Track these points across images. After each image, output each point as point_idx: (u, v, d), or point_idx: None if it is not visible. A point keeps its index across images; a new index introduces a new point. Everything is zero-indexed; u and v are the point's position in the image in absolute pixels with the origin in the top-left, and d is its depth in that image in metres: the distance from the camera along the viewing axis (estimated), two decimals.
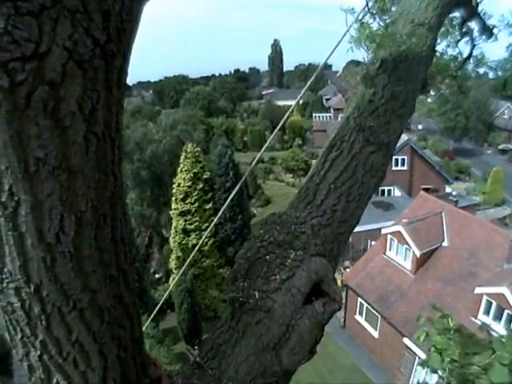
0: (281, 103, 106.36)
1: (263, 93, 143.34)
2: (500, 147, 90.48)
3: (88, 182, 1.53)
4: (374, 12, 4.09)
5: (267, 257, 2.65)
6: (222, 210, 7.00)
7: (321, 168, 3.04)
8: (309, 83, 5.23)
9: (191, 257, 8.75)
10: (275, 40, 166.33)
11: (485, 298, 25.62)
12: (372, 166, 3.08)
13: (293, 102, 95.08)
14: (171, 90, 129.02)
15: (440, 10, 3.94)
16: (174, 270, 39.90)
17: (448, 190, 55.80)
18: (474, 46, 7.15)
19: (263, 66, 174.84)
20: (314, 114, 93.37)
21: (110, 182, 1.66)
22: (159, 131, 59.97)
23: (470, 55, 7.29)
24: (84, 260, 1.61)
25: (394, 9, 4.14)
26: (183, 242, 39.25)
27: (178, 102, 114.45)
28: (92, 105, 1.46)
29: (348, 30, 4.13)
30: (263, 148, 6.62)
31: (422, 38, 3.55)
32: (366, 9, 4.15)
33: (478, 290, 25.94)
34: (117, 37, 1.49)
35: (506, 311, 24.09)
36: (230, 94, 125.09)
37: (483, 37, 7.36)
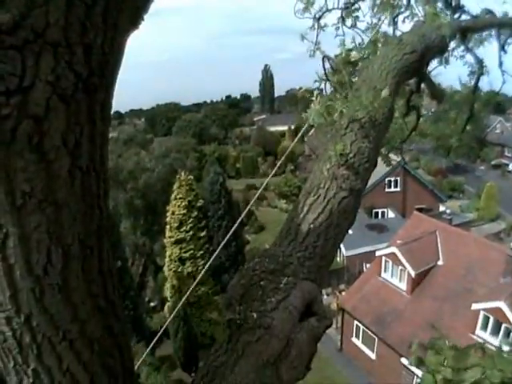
0: (272, 129, 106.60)
1: (254, 119, 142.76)
2: (493, 162, 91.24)
3: (74, 215, 1.56)
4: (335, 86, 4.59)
5: (261, 282, 2.81)
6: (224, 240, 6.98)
7: (300, 211, 3.36)
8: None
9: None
10: (266, 65, 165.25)
11: (482, 313, 25.74)
12: (345, 210, 3.44)
13: (285, 128, 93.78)
14: (163, 117, 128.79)
15: (398, 78, 4.54)
16: (169, 298, 39.34)
17: (442, 208, 55.88)
18: (419, 118, 7.95)
19: (254, 91, 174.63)
20: (305, 139, 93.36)
21: (96, 216, 1.68)
22: (152, 160, 59.82)
23: (416, 127, 8.08)
24: (72, 292, 1.64)
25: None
26: (178, 271, 38.93)
27: (171, 129, 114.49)
28: (76, 139, 1.49)
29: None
30: (270, 175, 6.72)
31: (383, 101, 3.97)
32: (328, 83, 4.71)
33: (474, 306, 26.06)
34: (99, 70, 1.51)
35: (504, 325, 24.18)
36: (221, 121, 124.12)
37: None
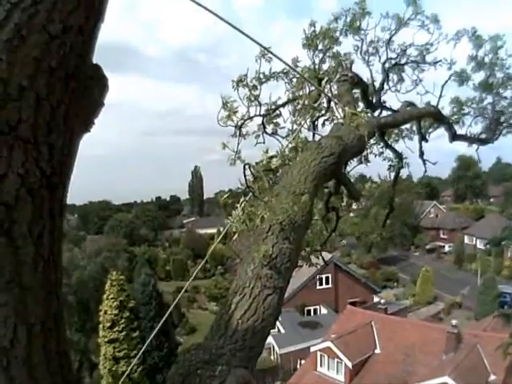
0: (202, 231, 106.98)
1: (184, 221, 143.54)
2: (427, 247, 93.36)
3: (36, 299, 1.70)
4: (255, 192, 4.82)
5: (198, 371, 3.06)
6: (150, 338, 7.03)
7: (228, 309, 3.62)
8: None
9: None
10: (195, 167, 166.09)
11: None
12: (270, 306, 3.70)
13: (214, 230, 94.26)
14: (95, 215, 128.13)
15: (317, 181, 4.91)
16: None
17: (376, 299, 56.26)
18: (338, 219, 8.51)
19: (184, 192, 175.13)
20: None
21: (54, 301, 1.84)
22: (84, 257, 60.16)
23: (335, 229, 8.57)
24: (35, 367, 1.73)
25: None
26: (113, 369, 38.43)
27: (102, 228, 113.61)
28: (39, 231, 1.66)
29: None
30: (191, 278, 6.82)
31: (303, 205, 4.33)
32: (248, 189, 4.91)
33: None
34: (59, 170, 1.71)
35: None
36: (151, 223, 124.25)
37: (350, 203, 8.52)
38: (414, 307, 61.42)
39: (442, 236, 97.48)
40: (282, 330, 48.86)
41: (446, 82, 9.63)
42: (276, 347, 45.93)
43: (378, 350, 32.74)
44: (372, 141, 8.40)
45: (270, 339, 47.08)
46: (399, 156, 9.50)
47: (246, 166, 4.82)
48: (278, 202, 4.31)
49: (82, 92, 1.76)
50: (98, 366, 41.73)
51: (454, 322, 30.60)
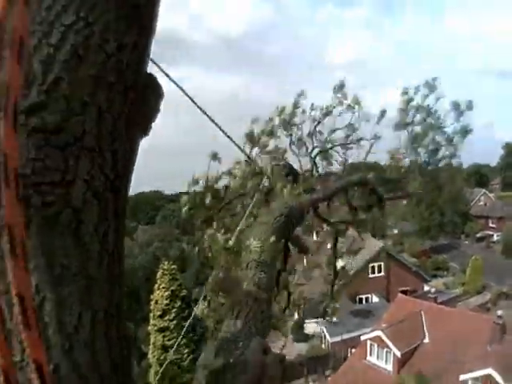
0: None
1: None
2: (478, 235, 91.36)
3: (101, 290, 1.87)
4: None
5: (225, 346, 3.95)
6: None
7: (230, 318, 4.53)
8: None
9: None
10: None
11: (470, 383, 26.16)
12: (262, 311, 4.73)
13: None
14: (147, 205, 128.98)
15: (275, 236, 5.86)
16: None
17: (426, 288, 55.70)
18: (290, 295, 8.86)
19: None
20: None
21: (117, 292, 2.00)
22: (136, 247, 60.75)
23: (288, 304, 8.95)
24: (97, 351, 1.87)
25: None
26: (161, 358, 38.72)
27: (154, 218, 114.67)
28: (105, 229, 1.83)
29: None
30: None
31: (270, 246, 5.60)
32: None
33: (462, 377, 26.36)
34: (122, 174, 1.90)
35: None
36: None
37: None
38: (463, 297, 60.50)
39: (490, 225, 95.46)
40: (334, 319, 48.86)
41: (367, 155, 10.30)
42: (327, 335, 45.96)
43: (426, 340, 32.84)
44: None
45: (321, 327, 47.11)
46: (336, 230, 10.24)
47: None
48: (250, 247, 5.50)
49: (139, 102, 1.92)
50: (147, 356, 42.32)
51: (499, 312, 30.19)
